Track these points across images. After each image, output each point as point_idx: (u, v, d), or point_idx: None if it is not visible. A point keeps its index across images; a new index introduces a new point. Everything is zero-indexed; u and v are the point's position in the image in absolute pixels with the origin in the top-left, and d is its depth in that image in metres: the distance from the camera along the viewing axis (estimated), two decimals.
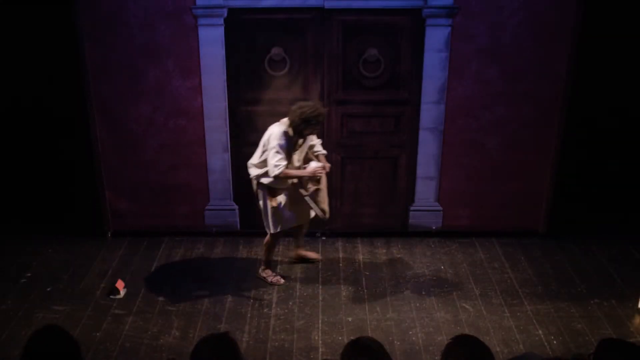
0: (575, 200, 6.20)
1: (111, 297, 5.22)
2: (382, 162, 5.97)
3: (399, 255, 5.87)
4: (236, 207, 6.12)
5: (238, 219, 6.16)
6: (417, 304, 5.14)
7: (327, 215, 5.23)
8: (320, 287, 5.38)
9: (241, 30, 5.54)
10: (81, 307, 5.09)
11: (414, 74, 5.67)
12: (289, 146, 4.92)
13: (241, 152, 5.92)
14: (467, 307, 5.11)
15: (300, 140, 5.02)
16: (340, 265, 5.72)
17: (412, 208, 6.11)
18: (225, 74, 5.66)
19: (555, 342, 4.67)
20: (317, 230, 6.17)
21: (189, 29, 5.50)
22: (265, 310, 5.06)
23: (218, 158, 5.94)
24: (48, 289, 5.33)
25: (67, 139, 6.16)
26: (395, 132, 5.88)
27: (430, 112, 5.78)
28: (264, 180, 5.04)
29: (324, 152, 5.26)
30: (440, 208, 6.09)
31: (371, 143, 5.91)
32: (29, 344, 2.83)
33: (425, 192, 6.04)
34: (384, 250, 5.95)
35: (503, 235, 6.12)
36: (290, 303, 5.16)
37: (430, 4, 5.44)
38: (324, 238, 6.17)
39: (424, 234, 6.16)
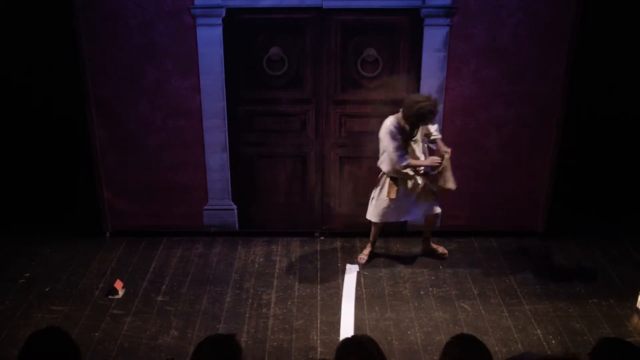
0: (574, 200, 6.22)
1: (110, 297, 5.21)
2: None
3: (397, 255, 5.87)
4: (235, 206, 6.12)
5: (236, 219, 6.16)
6: (416, 304, 5.14)
7: (454, 188, 5.29)
8: (318, 287, 5.39)
9: (239, 30, 5.54)
10: (80, 307, 5.09)
11: (412, 74, 5.67)
12: (402, 137, 5.10)
13: (240, 151, 5.93)
14: (465, 306, 5.11)
15: (415, 131, 5.15)
16: (339, 265, 5.72)
17: None
18: (224, 74, 5.66)
19: (553, 341, 4.68)
20: (316, 230, 6.18)
21: (187, 29, 5.50)
22: (263, 310, 5.06)
23: (217, 158, 5.93)
24: (46, 289, 5.33)
25: (66, 139, 6.17)
26: None
27: None
28: (385, 169, 5.30)
29: (439, 136, 5.33)
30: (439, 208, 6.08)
31: (370, 143, 5.90)
32: (28, 345, 2.82)
33: None
34: (383, 250, 5.95)
35: (502, 235, 6.12)
36: (289, 303, 5.17)
37: (428, 3, 5.44)
38: (322, 238, 6.17)
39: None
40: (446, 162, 5.21)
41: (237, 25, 5.53)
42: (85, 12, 5.42)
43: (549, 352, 4.49)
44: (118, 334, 4.77)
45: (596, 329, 4.80)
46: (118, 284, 5.27)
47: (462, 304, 5.14)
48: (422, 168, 5.29)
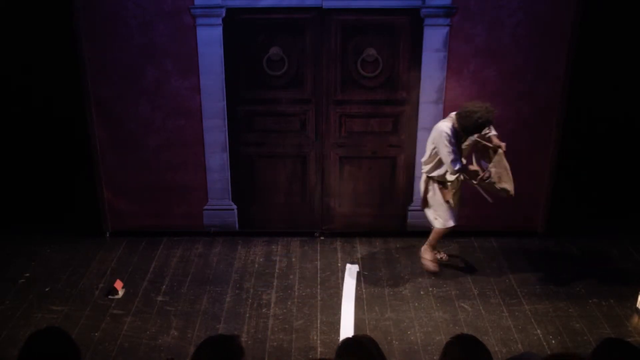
0: (574, 200, 6.21)
1: (110, 297, 5.21)
2: (381, 162, 5.97)
3: (397, 255, 5.87)
4: (235, 206, 6.12)
5: (236, 219, 6.16)
6: (416, 304, 5.14)
7: (512, 193, 5.14)
8: (318, 287, 5.39)
9: (239, 30, 5.54)
10: (80, 307, 5.09)
11: (412, 74, 5.67)
12: (458, 142, 5.03)
13: (240, 151, 5.93)
14: (465, 306, 5.11)
15: (466, 137, 5.09)
16: (339, 265, 5.72)
17: (410, 208, 6.11)
18: (224, 74, 5.66)
19: (553, 341, 4.68)
20: (316, 230, 6.18)
21: (187, 29, 5.50)
22: (263, 310, 5.06)
23: (217, 158, 5.93)
24: (46, 289, 5.33)
25: (66, 139, 6.17)
26: (394, 132, 5.88)
27: (428, 112, 5.78)
28: (435, 175, 5.21)
29: (495, 132, 5.20)
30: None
31: (369, 143, 5.91)
32: (28, 345, 2.82)
33: None
34: (383, 250, 5.95)
35: (502, 235, 6.12)
36: (289, 303, 5.16)
37: (428, 4, 5.44)
38: (322, 238, 6.17)
39: (423, 233, 6.11)
40: (500, 157, 5.05)
41: (237, 25, 5.53)
42: (85, 12, 5.42)
43: (549, 352, 4.49)
44: (118, 334, 4.76)
45: (596, 329, 4.80)
46: (118, 284, 5.27)
47: (462, 304, 5.14)
48: (476, 172, 5.13)
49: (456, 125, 5.00)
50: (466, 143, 5.17)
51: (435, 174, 5.22)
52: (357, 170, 6.00)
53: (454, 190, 5.29)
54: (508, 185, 5.10)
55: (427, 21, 5.50)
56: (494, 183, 5.10)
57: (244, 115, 5.84)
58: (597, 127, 6.13)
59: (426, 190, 5.35)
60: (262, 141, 5.92)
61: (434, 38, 5.54)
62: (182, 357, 4.42)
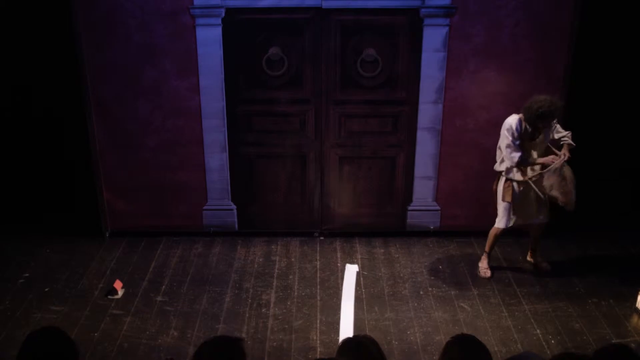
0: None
1: (109, 297, 5.21)
2: (380, 162, 5.97)
3: (397, 255, 5.87)
4: (234, 207, 6.12)
5: (236, 219, 6.16)
6: (415, 304, 5.14)
7: (570, 206, 5.10)
8: (318, 287, 5.39)
9: (239, 30, 5.54)
10: (79, 307, 5.09)
11: (411, 74, 5.67)
12: (521, 136, 4.99)
13: (239, 151, 5.93)
14: (465, 306, 5.11)
15: (536, 133, 5.03)
16: (339, 265, 5.72)
17: (410, 208, 6.11)
18: (223, 74, 5.66)
19: (553, 341, 4.68)
20: (315, 230, 6.18)
21: (186, 29, 5.50)
22: (263, 311, 5.06)
23: (216, 158, 5.93)
24: (46, 289, 5.32)
25: (65, 139, 6.16)
26: (393, 132, 5.88)
27: (428, 112, 5.78)
28: (502, 169, 5.21)
29: (569, 141, 5.10)
30: (438, 208, 6.09)
31: (369, 143, 5.91)
32: (26, 345, 2.82)
33: (423, 191, 6.04)
34: (382, 250, 5.95)
35: (502, 234, 6.09)
36: (289, 303, 5.16)
37: (427, 3, 5.44)
38: (322, 238, 6.17)
39: (422, 233, 6.16)
40: (558, 165, 4.96)
41: (236, 25, 5.53)
42: (84, 13, 5.42)
43: (548, 352, 4.49)
44: (117, 334, 4.76)
45: (596, 329, 4.80)
46: (117, 284, 5.27)
47: (462, 304, 5.14)
48: (537, 169, 5.10)
49: (524, 122, 4.98)
50: (539, 143, 5.08)
51: (502, 168, 5.21)
52: (357, 170, 6.00)
53: (521, 188, 5.18)
54: (562, 196, 5.03)
55: (427, 21, 5.50)
56: (545, 187, 5.07)
57: (243, 115, 5.84)
58: (597, 127, 6.12)
59: (496, 185, 5.34)
60: (261, 141, 5.92)
61: (433, 38, 5.54)
62: (181, 357, 4.42)
